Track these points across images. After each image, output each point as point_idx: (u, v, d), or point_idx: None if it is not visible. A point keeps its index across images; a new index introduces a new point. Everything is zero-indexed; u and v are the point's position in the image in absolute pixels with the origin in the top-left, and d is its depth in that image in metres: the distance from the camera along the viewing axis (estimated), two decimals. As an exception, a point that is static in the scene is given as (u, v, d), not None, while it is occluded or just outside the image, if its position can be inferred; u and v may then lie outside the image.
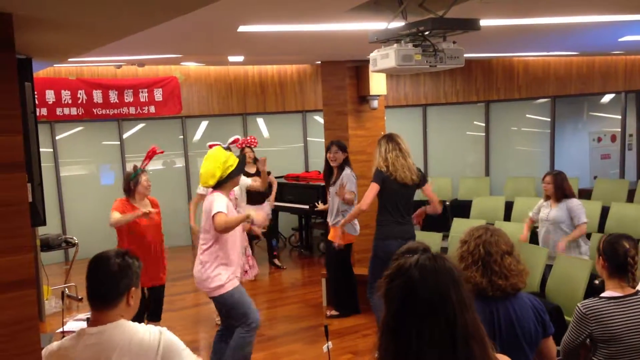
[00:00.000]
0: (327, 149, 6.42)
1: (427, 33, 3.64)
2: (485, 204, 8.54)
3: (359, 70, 7.51)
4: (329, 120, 7.88)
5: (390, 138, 5.40)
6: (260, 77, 10.19)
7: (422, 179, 5.48)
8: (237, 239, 4.64)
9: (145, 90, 9.58)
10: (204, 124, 10.31)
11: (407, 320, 1.59)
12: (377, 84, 7.51)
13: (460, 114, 10.54)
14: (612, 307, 2.94)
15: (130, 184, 5.32)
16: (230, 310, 4.54)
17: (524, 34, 5.71)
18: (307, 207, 8.69)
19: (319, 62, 8.13)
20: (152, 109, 9.66)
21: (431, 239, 6.69)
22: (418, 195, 5.75)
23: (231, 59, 7.80)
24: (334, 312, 6.51)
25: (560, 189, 5.75)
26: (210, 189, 4.56)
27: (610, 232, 3.20)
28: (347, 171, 6.25)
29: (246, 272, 6.27)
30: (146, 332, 2.34)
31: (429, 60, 3.69)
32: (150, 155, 5.80)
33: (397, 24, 3.79)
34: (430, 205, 5.49)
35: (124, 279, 2.37)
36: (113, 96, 9.37)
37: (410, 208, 5.49)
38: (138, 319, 2.58)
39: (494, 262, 2.56)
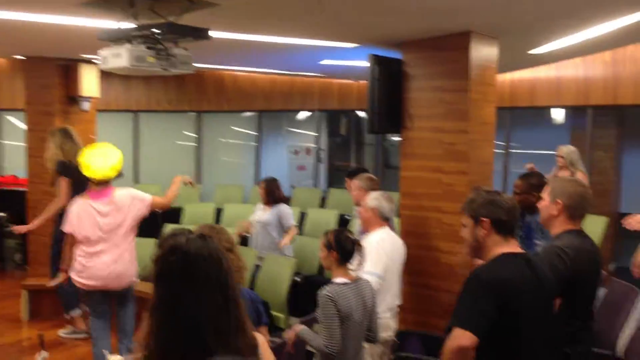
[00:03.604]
0: None
1: (159, 37, 3.72)
2: (196, 210, 8.85)
3: (69, 69, 7.11)
4: (34, 121, 7.26)
5: (65, 131, 6.00)
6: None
7: None
8: None
9: None
10: None
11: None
12: (89, 85, 7.20)
13: (172, 123, 10.65)
14: (348, 291, 3.39)
15: None
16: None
17: (245, 49, 6.10)
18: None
19: (21, 57, 7.43)
20: None
21: (144, 245, 6.63)
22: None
23: None
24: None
25: (271, 194, 6.21)
26: (105, 186, 4.55)
27: (328, 230, 3.60)
28: None
29: None
30: None
31: (161, 64, 3.76)
32: None
33: (128, 24, 3.78)
34: None
35: None
36: None
37: None
38: None
39: None
